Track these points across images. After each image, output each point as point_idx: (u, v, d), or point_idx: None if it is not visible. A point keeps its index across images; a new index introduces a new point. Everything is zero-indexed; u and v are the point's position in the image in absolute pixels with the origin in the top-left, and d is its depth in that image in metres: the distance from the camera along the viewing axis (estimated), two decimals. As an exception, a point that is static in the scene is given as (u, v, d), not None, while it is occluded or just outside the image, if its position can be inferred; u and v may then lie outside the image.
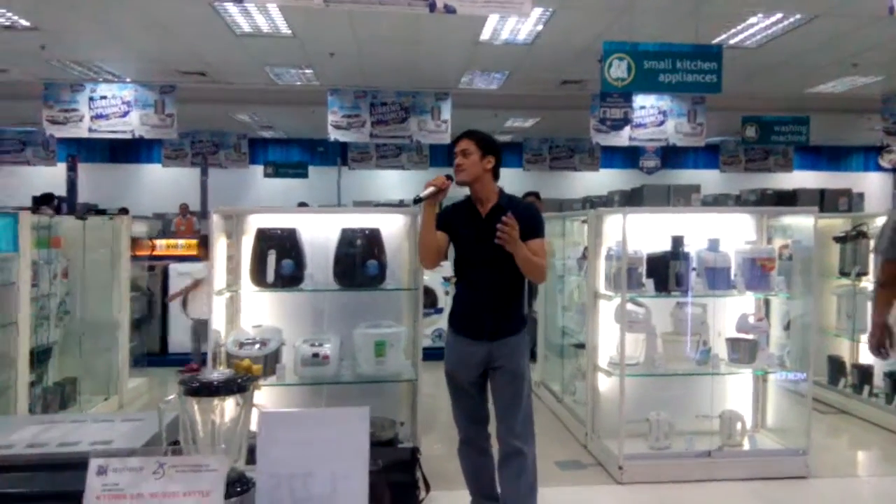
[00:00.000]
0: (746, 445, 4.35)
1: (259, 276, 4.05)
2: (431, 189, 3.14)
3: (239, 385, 1.55)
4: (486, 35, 7.66)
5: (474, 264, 3.20)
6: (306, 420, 1.53)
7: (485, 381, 3.25)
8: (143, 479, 1.35)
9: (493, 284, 3.18)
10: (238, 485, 1.55)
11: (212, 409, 1.56)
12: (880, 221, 5.68)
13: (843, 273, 5.85)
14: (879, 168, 16.99)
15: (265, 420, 1.51)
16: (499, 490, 3.27)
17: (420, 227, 3.23)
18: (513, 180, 11.06)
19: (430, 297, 7.68)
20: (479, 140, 3.29)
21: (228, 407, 1.56)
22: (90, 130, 9.24)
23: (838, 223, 6.09)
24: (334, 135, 9.70)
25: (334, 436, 1.51)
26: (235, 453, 1.62)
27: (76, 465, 1.46)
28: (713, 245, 4.23)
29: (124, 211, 11.91)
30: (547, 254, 3.41)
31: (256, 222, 4.23)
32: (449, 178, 3.22)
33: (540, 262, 3.16)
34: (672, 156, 15.25)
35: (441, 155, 14.98)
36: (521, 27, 7.39)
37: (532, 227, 3.18)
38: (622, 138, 9.77)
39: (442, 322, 7.65)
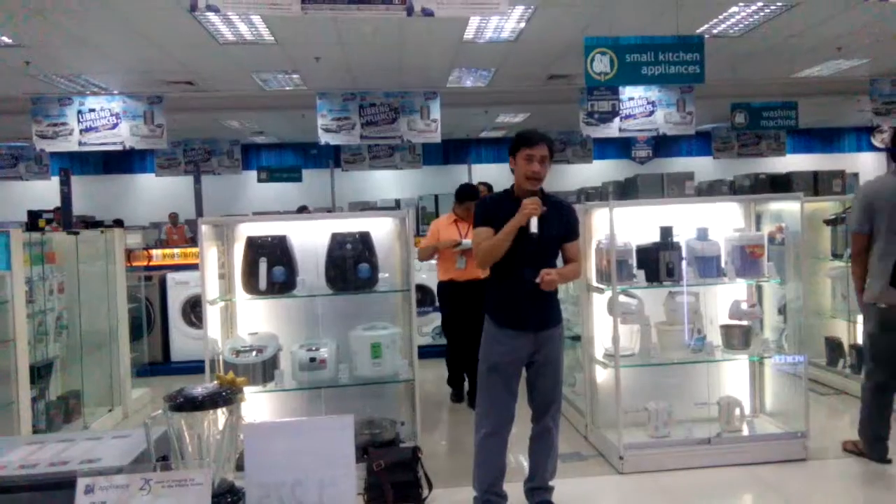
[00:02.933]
0: (745, 431, 4.37)
1: (251, 284, 4.07)
2: (536, 219, 3.18)
3: (224, 398, 1.57)
4: (470, 34, 7.67)
5: (518, 260, 3.24)
6: (291, 430, 1.55)
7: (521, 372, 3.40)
8: (130, 496, 1.37)
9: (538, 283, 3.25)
10: (228, 496, 1.58)
11: (198, 423, 1.58)
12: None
13: (836, 255, 5.87)
14: (872, 148, 17.02)
15: (250, 432, 1.52)
16: (528, 461, 3.56)
17: (502, 235, 3.21)
18: (507, 175, 11.05)
19: (427, 296, 7.69)
20: (552, 147, 3.35)
21: (214, 420, 1.58)
22: (80, 144, 9.25)
23: (829, 206, 6.10)
24: (325, 138, 9.71)
25: (320, 444, 1.53)
26: (225, 465, 1.64)
27: (66, 484, 1.48)
28: (702, 234, 4.24)
29: (119, 223, 11.94)
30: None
31: (246, 230, 4.25)
32: (532, 195, 3.24)
33: (576, 270, 3.42)
34: (665, 145, 15.28)
35: (434, 153, 15.02)
36: (505, 24, 7.40)
37: (573, 228, 3.41)
38: (612, 130, 9.78)
39: (439, 320, 7.67)
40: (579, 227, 3.50)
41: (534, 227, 3.16)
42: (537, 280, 3.17)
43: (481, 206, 3.42)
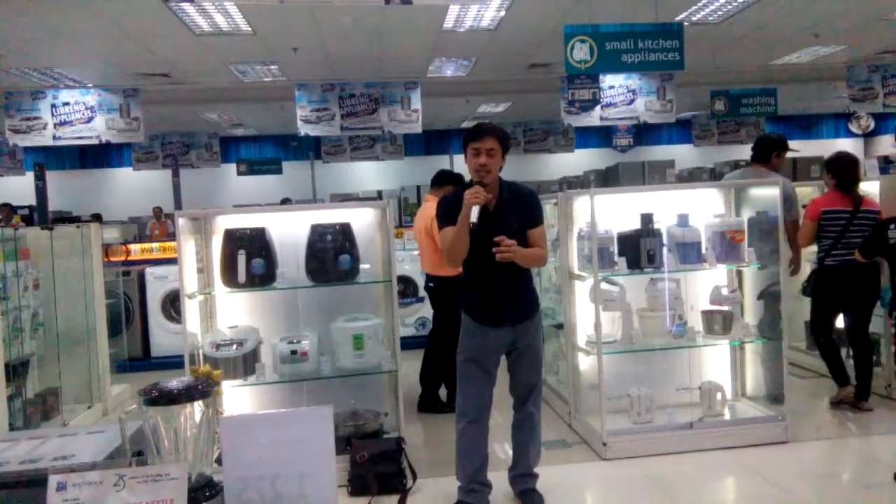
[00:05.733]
0: (727, 415, 4.40)
1: (230, 277, 4.03)
2: (477, 208, 3.12)
3: (200, 391, 1.54)
4: (449, 23, 7.63)
5: (485, 256, 3.21)
6: (269, 422, 1.53)
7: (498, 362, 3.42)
8: (104, 493, 1.34)
9: (506, 274, 3.26)
10: (206, 490, 1.55)
11: (174, 417, 1.55)
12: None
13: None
14: (850, 134, 17.19)
15: (227, 425, 1.50)
16: (511, 448, 3.60)
17: (455, 233, 3.18)
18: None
19: (410, 286, 7.67)
20: (502, 138, 3.30)
21: (190, 413, 1.55)
22: (55, 138, 9.09)
23: (808, 191, 6.14)
24: (304, 129, 9.62)
25: (298, 436, 1.51)
26: (202, 458, 1.62)
27: (38, 482, 1.44)
28: (682, 220, 4.25)
29: (97, 217, 11.77)
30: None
31: (224, 223, 4.19)
32: (479, 184, 3.18)
33: (539, 253, 3.36)
34: (645, 133, 15.34)
35: (415, 144, 14.97)
36: (485, 13, 7.35)
37: (534, 215, 3.35)
38: (593, 118, 9.78)
39: (424, 310, 7.65)
40: (542, 215, 3.44)
41: (473, 216, 3.10)
42: (494, 250, 3.13)
43: (442, 207, 3.35)
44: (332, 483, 1.48)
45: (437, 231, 3.41)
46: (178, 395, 1.52)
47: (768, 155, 5.17)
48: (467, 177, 3.49)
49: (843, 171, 4.84)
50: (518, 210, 3.31)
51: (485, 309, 3.31)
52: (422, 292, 7.60)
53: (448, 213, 3.26)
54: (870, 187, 5.26)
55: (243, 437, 1.49)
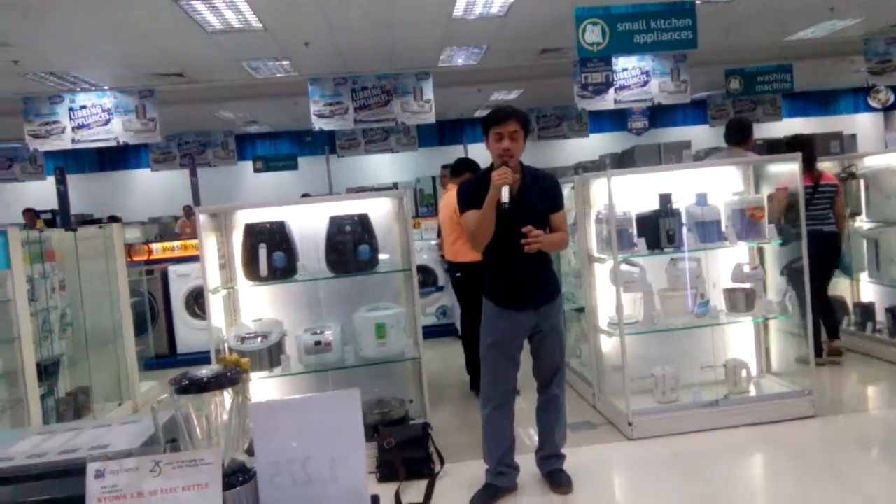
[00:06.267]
0: (753, 391, 4.39)
1: (252, 271, 4.07)
2: (507, 189, 3.10)
3: (229, 379, 1.57)
4: (459, 10, 7.58)
5: (508, 240, 3.21)
6: (298, 406, 1.55)
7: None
8: (141, 479, 1.37)
9: (528, 258, 3.25)
10: (240, 475, 1.58)
11: (205, 405, 1.58)
12: (870, 161, 5.70)
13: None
14: (869, 108, 16.91)
15: (256, 411, 1.52)
16: (537, 430, 3.60)
17: (482, 212, 3.16)
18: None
19: (429, 276, 7.70)
20: (525, 121, 3.29)
21: (220, 401, 1.58)
22: (73, 141, 9.19)
23: (829, 166, 6.07)
24: (318, 124, 9.65)
25: (328, 419, 1.53)
26: (235, 445, 1.64)
27: (76, 471, 1.48)
28: (701, 199, 4.23)
29: (114, 219, 11.91)
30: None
31: (244, 218, 4.23)
32: (504, 166, 3.15)
33: (562, 237, 3.40)
34: (660, 115, 15.18)
35: (429, 135, 14.94)
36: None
37: (557, 199, 3.37)
38: (607, 102, 9.70)
39: (444, 299, 7.68)
40: (563, 199, 3.44)
41: (504, 196, 3.09)
42: (522, 242, 3.15)
43: (464, 191, 3.35)
44: (363, 465, 1.51)
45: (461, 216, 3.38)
46: (208, 383, 1.54)
47: (746, 136, 5.23)
48: (483, 164, 3.49)
49: (805, 150, 4.87)
50: (542, 194, 3.32)
51: (507, 293, 3.31)
52: (441, 281, 7.63)
53: (471, 197, 3.24)
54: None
55: (273, 422, 1.52)
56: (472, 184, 3.35)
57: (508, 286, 3.31)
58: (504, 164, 3.17)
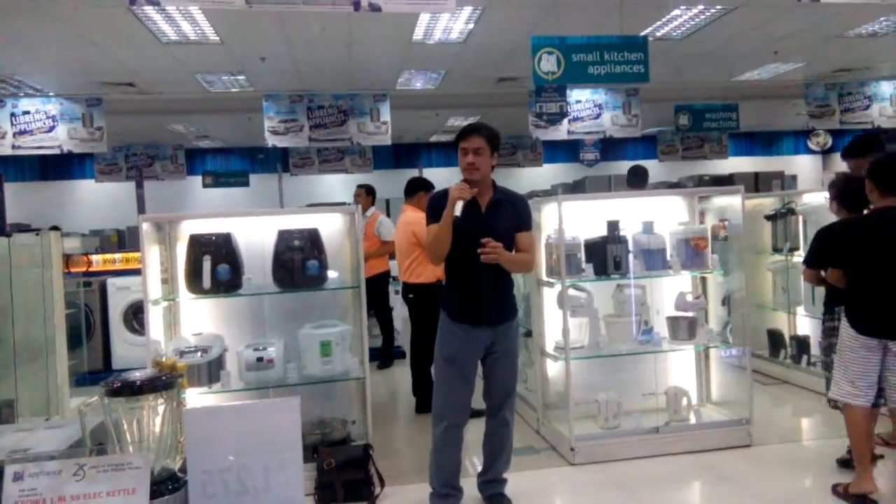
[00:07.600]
0: (692, 419, 4.46)
1: (195, 283, 3.97)
2: (461, 203, 3.21)
3: (163, 383, 1.52)
4: (419, 34, 7.66)
5: (471, 253, 3.23)
6: (234, 414, 1.50)
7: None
8: (63, 483, 1.30)
9: (491, 274, 3.28)
10: (169, 482, 1.52)
11: (137, 410, 1.52)
12: (808, 198, 5.91)
13: (776, 249, 6.05)
14: (809, 150, 17.64)
15: (190, 417, 1.47)
16: (483, 455, 3.59)
17: (438, 229, 3.25)
18: (457, 179, 11.07)
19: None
20: (490, 137, 3.35)
21: (154, 406, 1.52)
22: (14, 147, 8.88)
23: (769, 202, 6.29)
24: (272, 140, 9.55)
25: (264, 428, 1.49)
26: (167, 452, 1.58)
27: (-6, 475, 1.40)
28: (647, 228, 4.32)
29: (55, 229, 11.48)
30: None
31: (189, 228, 4.14)
32: (466, 182, 3.28)
33: (526, 258, 3.42)
34: (612, 148, 15.52)
35: (385, 157, 14.93)
36: (454, 25, 7.41)
37: (524, 219, 3.42)
38: (561, 132, 9.90)
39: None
40: (531, 221, 3.51)
41: (457, 210, 3.19)
42: (479, 251, 3.19)
43: (432, 204, 3.40)
44: (299, 475, 1.47)
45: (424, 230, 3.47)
46: (142, 386, 1.48)
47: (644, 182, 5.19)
48: (439, 187, 3.55)
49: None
50: (509, 211, 3.37)
51: (464, 306, 3.32)
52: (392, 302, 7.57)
53: (436, 211, 3.31)
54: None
55: (208, 429, 1.47)
56: (438, 197, 3.42)
57: (466, 298, 3.32)
58: (469, 179, 3.27)
